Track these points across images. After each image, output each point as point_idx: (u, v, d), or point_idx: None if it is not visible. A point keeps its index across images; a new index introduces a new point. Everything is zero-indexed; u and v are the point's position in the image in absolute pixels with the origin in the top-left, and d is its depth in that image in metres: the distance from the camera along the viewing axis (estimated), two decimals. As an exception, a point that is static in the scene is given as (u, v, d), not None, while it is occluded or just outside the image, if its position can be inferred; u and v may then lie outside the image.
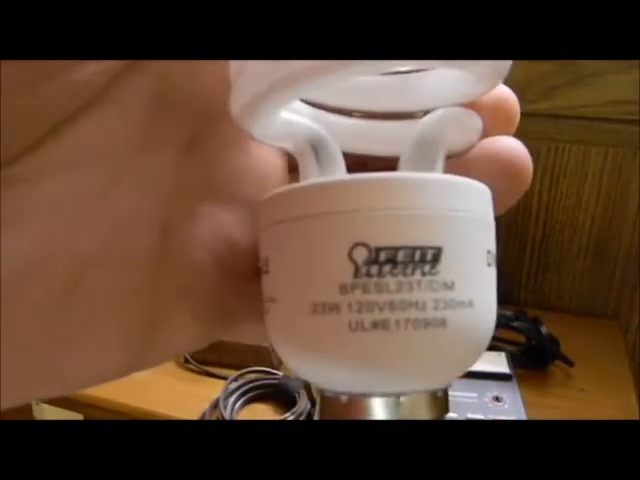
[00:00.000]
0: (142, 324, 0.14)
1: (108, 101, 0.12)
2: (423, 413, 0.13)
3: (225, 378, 0.60)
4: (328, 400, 0.13)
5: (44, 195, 0.11)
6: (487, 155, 0.14)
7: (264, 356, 0.61)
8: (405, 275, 0.12)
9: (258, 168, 0.15)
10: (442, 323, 0.12)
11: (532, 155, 0.14)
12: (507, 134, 0.15)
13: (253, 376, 0.61)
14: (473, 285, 0.13)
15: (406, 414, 0.13)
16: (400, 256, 0.12)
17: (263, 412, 0.58)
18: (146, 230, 0.13)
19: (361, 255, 0.12)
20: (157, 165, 0.13)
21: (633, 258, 0.74)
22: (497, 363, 0.60)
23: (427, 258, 0.12)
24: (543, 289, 0.79)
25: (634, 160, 0.71)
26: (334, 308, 0.12)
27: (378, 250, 0.12)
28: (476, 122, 0.15)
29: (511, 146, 0.14)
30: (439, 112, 0.14)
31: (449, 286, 0.12)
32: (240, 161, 0.15)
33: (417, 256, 0.12)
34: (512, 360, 0.61)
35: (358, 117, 0.16)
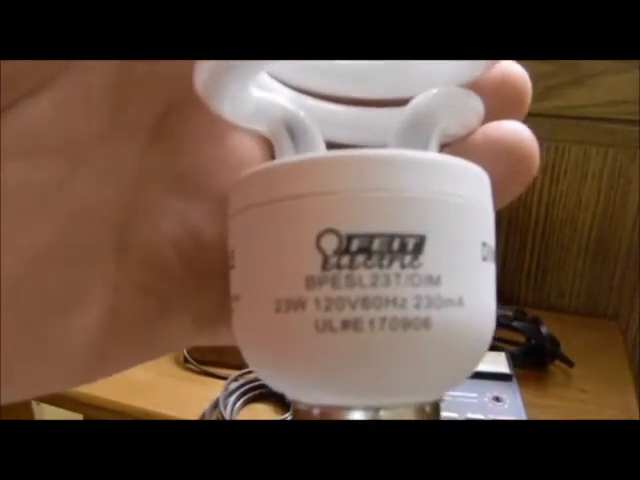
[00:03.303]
0: (102, 322, 0.13)
1: (59, 86, 0.11)
2: None
3: (225, 378, 0.60)
4: (300, 413, 0.12)
5: None
6: (488, 140, 0.13)
7: (264, 356, 0.61)
8: (381, 267, 0.10)
9: (233, 159, 0.14)
10: (425, 324, 0.10)
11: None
12: (516, 118, 0.13)
13: (253, 376, 0.61)
14: (463, 281, 0.11)
15: None
16: (375, 245, 0.10)
17: (263, 412, 0.58)
18: (106, 223, 0.13)
19: (330, 244, 0.10)
20: (121, 154, 0.12)
21: (633, 258, 0.74)
22: (497, 363, 0.60)
23: (408, 248, 0.10)
24: (543, 289, 0.79)
25: (634, 160, 0.70)
26: (299, 305, 0.10)
27: (350, 238, 0.10)
28: (475, 103, 0.13)
29: (515, 130, 0.13)
30: (432, 91, 0.13)
31: (434, 281, 0.10)
32: (213, 151, 0.14)
33: (396, 245, 0.10)
34: (512, 360, 0.61)
35: (346, 105, 0.14)
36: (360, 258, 0.10)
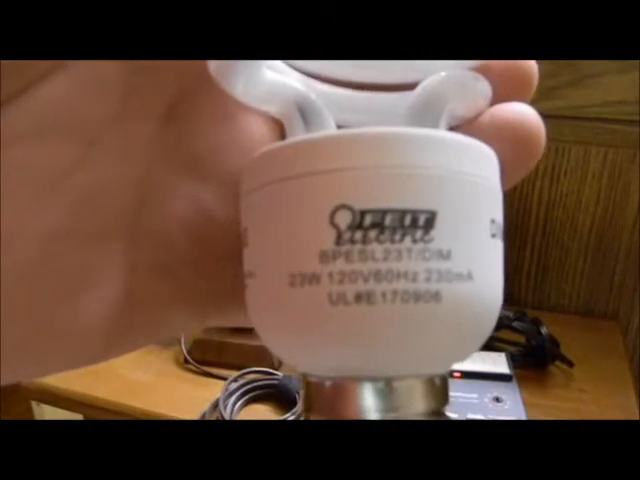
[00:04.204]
0: (115, 303, 0.13)
1: (72, 69, 0.11)
2: (418, 402, 0.12)
3: (225, 378, 0.60)
4: (312, 386, 0.12)
5: (6, 165, 0.11)
6: (495, 122, 0.13)
7: (264, 356, 0.61)
8: (393, 242, 0.10)
9: (244, 142, 0.14)
10: (435, 297, 0.11)
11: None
12: (522, 100, 0.13)
13: (253, 376, 0.61)
14: (473, 256, 0.11)
15: (399, 403, 0.12)
16: (388, 220, 0.11)
17: (263, 412, 0.58)
18: (119, 204, 0.13)
19: (344, 219, 0.11)
20: (133, 136, 0.13)
21: (633, 258, 0.74)
22: (497, 363, 0.60)
23: (419, 223, 0.11)
24: (543, 289, 0.79)
25: (634, 160, 0.70)
26: (313, 279, 0.11)
27: (363, 213, 0.10)
28: (483, 86, 0.13)
29: (522, 113, 0.13)
30: (441, 74, 0.13)
31: (444, 255, 0.11)
32: (225, 134, 0.14)
33: (407, 220, 0.11)
34: (512, 360, 0.61)
35: (354, 89, 0.14)
36: (373, 233, 0.11)
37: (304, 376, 0.13)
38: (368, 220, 0.11)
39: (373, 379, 0.12)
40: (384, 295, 0.10)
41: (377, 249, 0.11)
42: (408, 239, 0.11)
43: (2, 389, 0.13)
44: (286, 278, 0.11)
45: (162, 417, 0.56)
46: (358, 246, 0.11)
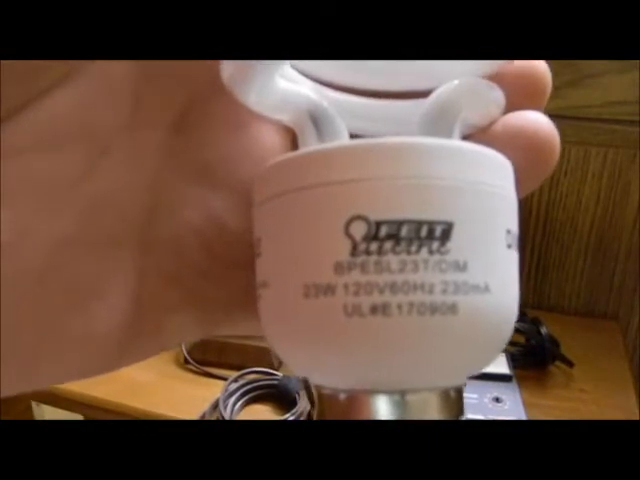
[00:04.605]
0: (125, 310, 0.13)
1: (82, 78, 0.11)
2: (433, 415, 0.12)
3: (225, 379, 0.60)
4: (326, 398, 0.12)
5: (16, 173, 0.11)
6: (509, 130, 0.13)
7: (264, 357, 0.61)
8: (409, 253, 0.10)
9: (255, 150, 0.14)
10: (452, 309, 0.11)
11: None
12: (535, 108, 0.13)
13: (253, 377, 0.61)
14: (489, 267, 0.11)
15: (413, 416, 0.11)
16: (404, 231, 0.10)
17: (263, 413, 0.58)
18: (129, 212, 0.13)
19: (359, 230, 0.10)
20: (144, 145, 0.13)
21: (633, 258, 0.74)
22: (497, 364, 0.60)
23: (435, 234, 0.10)
24: (543, 289, 0.79)
25: (634, 160, 0.70)
26: (328, 290, 0.11)
27: (379, 224, 0.10)
28: (496, 94, 0.13)
29: (536, 121, 0.13)
30: (455, 82, 0.13)
31: (461, 267, 0.11)
32: (237, 142, 0.14)
33: (424, 232, 0.10)
34: (512, 361, 0.61)
35: (367, 97, 0.14)
36: (388, 244, 0.10)
37: (317, 388, 0.12)
38: (384, 231, 0.10)
39: (388, 392, 0.11)
40: (400, 307, 0.10)
41: (393, 260, 0.10)
42: (424, 250, 0.10)
43: (2, 389, 0.13)
44: (300, 289, 0.11)
45: (162, 417, 0.56)
46: (374, 257, 0.10)
